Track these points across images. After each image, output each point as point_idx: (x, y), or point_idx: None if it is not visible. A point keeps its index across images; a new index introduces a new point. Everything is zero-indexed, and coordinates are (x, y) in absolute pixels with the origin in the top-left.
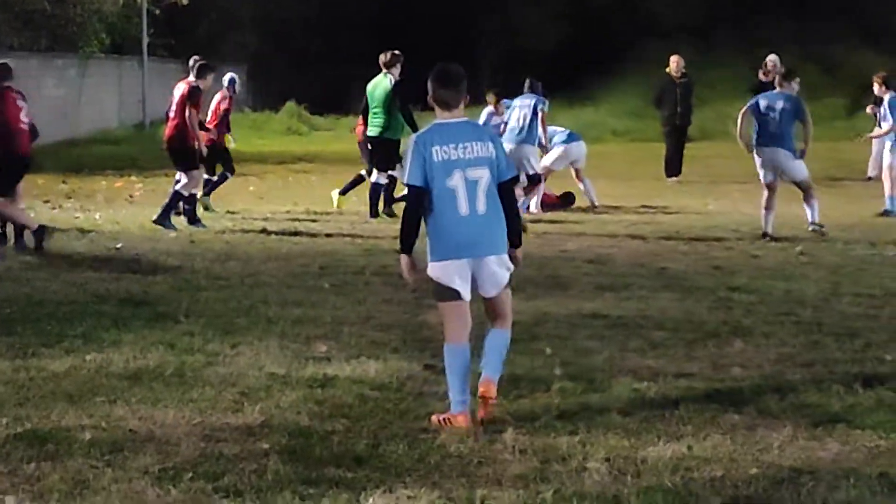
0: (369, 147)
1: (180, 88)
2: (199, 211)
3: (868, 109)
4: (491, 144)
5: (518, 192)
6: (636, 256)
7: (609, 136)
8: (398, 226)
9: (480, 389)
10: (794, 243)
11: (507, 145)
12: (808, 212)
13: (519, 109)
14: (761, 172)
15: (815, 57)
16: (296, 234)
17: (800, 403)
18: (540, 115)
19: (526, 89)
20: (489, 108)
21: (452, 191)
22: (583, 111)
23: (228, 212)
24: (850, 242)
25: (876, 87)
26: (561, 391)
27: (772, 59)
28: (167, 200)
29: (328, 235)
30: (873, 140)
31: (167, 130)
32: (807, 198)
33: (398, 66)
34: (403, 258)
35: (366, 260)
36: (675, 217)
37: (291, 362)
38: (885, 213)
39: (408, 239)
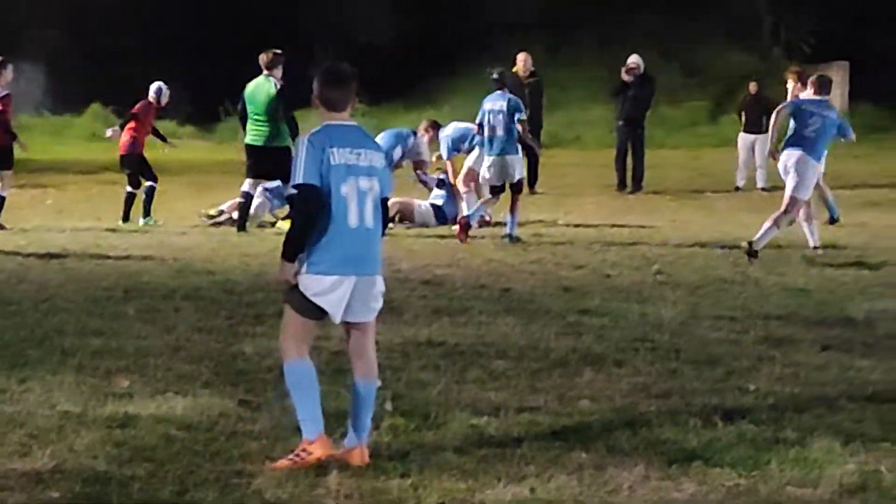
0: (248, 157)
1: None
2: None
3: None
4: (380, 155)
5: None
6: (477, 277)
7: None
8: (211, 243)
9: (356, 461)
10: (650, 261)
11: (489, 158)
12: (760, 232)
13: (492, 115)
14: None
15: (677, 56)
16: (99, 253)
17: (653, 439)
18: (520, 127)
19: (495, 86)
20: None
21: (345, 199)
22: (422, 114)
23: (22, 228)
24: (710, 259)
25: (791, 84)
26: (391, 428)
27: (634, 59)
28: None
29: (135, 255)
30: (739, 147)
31: None
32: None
33: (280, 66)
34: (287, 266)
35: (176, 282)
36: (521, 232)
37: (88, 399)
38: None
39: (297, 246)
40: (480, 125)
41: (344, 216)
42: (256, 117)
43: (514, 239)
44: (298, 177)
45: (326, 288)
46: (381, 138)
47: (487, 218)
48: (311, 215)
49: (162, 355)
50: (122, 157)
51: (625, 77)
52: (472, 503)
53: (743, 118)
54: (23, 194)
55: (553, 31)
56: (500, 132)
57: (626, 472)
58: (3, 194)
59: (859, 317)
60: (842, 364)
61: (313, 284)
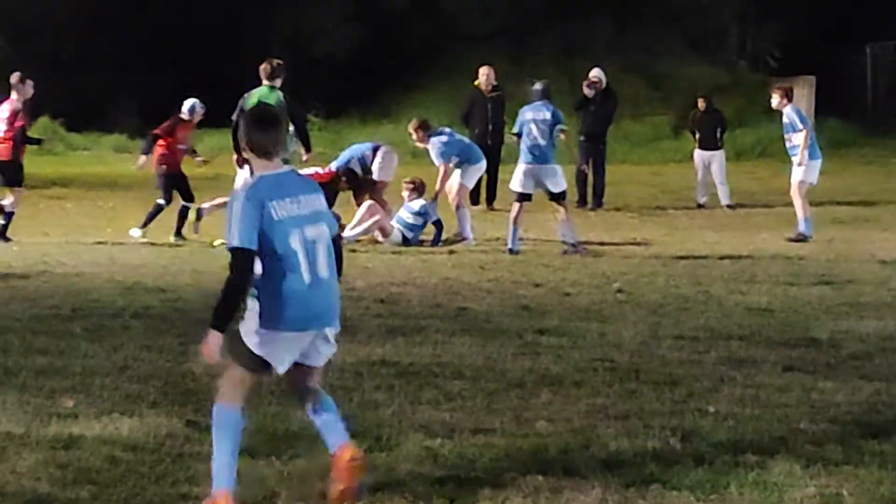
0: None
1: None
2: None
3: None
4: (320, 196)
5: (561, 210)
6: (433, 295)
7: (409, 158)
8: (162, 260)
9: (347, 454)
10: (611, 280)
11: (525, 165)
12: None
13: (535, 125)
14: None
15: (639, 68)
16: (46, 270)
17: (611, 462)
18: (563, 136)
19: (537, 96)
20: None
21: (295, 253)
22: (379, 128)
23: None
24: (672, 278)
25: (776, 100)
26: None
27: (596, 73)
28: None
29: (83, 272)
30: (696, 164)
31: None
32: None
33: (282, 77)
34: (214, 336)
35: (124, 300)
36: (479, 250)
37: (32, 420)
38: (799, 238)
39: (227, 314)
40: (518, 134)
41: (297, 273)
42: None
43: (578, 250)
44: (234, 239)
45: (275, 345)
46: (339, 158)
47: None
48: (244, 282)
49: (108, 375)
50: (157, 176)
51: (586, 91)
52: None
53: (696, 135)
54: None
55: (514, 43)
56: (542, 141)
57: (583, 495)
58: (14, 210)
59: (823, 337)
60: (804, 385)
61: (263, 340)
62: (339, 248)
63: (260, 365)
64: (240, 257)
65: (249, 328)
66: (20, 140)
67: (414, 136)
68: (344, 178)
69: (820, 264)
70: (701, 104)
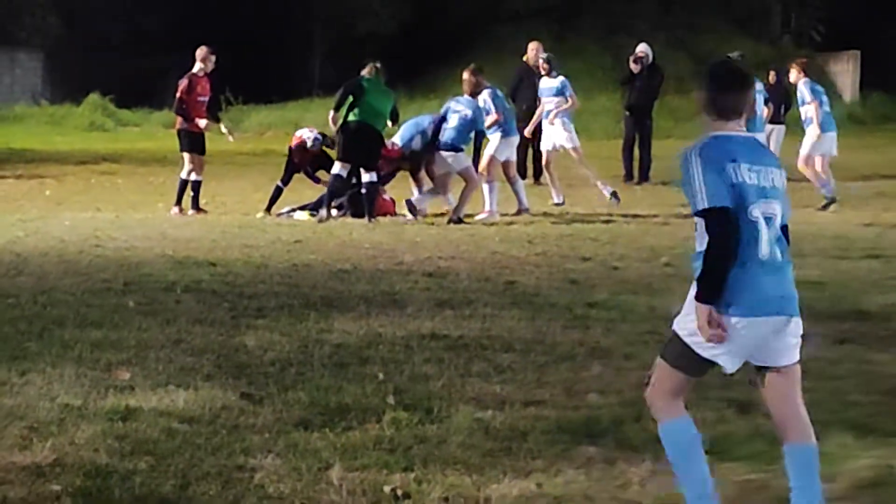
0: (357, 137)
1: None
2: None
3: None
4: (782, 172)
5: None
6: (481, 269)
7: None
8: (212, 235)
9: None
10: (658, 254)
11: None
12: None
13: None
14: None
15: (684, 45)
16: (98, 245)
17: None
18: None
19: (766, 85)
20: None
21: (754, 223)
22: (426, 104)
23: (20, 220)
24: None
25: (793, 75)
26: (394, 422)
27: (642, 48)
28: None
29: (135, 247)
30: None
31: None
32: None
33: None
34: (704, 309)
35: (177, 274)
36: (527, 224)
37: (89, 392)
38: (830, 202)
39: (714, 285)
40: None
41: (755, 245)
42: (382, 110)
43: None
44: (703, 200)
45: (731, 334)
46: (400, 132)
47: None
48: (727, 243)
49: (163, 348)
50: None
51: (632, 66)
52: (477, 498)
53: None
54: (21, 185)
55: (557, 19)
56: (756, 111)
57: (636, 467)
58: (199, 178)
59: (874, 310)
60: (856, 358)
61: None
62: (787, 236)
63: (693, 364)
64: (714, 217)
65: (686, 319)
66: (177, 110)
67: (467, 84)
68: (410, 159)
69: (868, 238)
70: (772, 77)
